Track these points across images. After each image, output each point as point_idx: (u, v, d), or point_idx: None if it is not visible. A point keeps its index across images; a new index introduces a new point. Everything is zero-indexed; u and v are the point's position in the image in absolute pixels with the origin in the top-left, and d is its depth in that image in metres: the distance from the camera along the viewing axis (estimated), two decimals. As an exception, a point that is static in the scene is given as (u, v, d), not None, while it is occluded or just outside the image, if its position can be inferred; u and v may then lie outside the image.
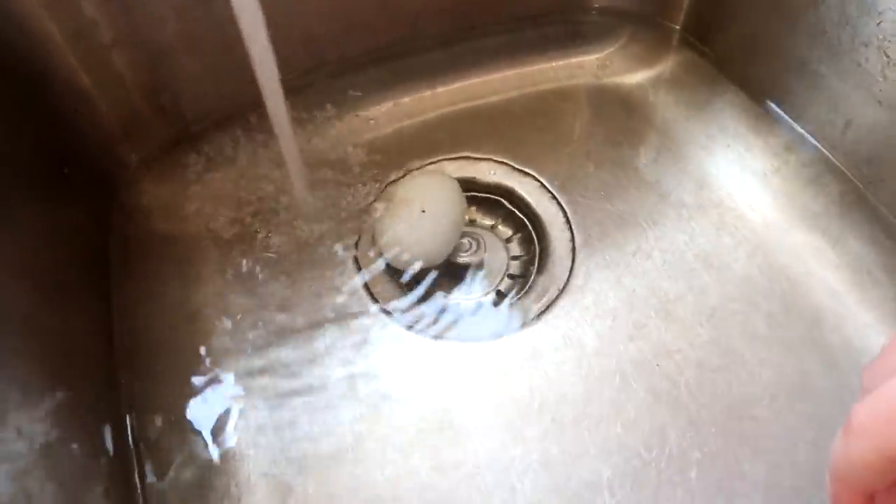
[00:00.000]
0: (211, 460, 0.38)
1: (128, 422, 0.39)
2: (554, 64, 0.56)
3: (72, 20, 0.38)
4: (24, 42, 0.37)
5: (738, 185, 0.49)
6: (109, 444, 0.36)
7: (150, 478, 0.38)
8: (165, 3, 0.42)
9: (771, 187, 0.49)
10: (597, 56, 0.56)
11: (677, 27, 0.56)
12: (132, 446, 0.38)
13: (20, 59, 0.37)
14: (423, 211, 0.44)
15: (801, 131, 0.49)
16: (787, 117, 0.50)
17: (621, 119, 0.53)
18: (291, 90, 0.49)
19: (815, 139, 0.49)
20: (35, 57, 0.38)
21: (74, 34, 0.39)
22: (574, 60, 0.56)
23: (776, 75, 0.50)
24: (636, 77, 0.55)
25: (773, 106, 0.51)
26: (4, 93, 0.35)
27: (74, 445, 0.33)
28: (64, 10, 0.38)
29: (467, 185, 0.49)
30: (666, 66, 0.56)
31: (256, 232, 0.46)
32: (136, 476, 0.37)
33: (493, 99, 0.54)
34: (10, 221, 0.34)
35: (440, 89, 0.54)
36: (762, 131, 0.51)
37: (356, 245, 0.46)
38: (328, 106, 0.52)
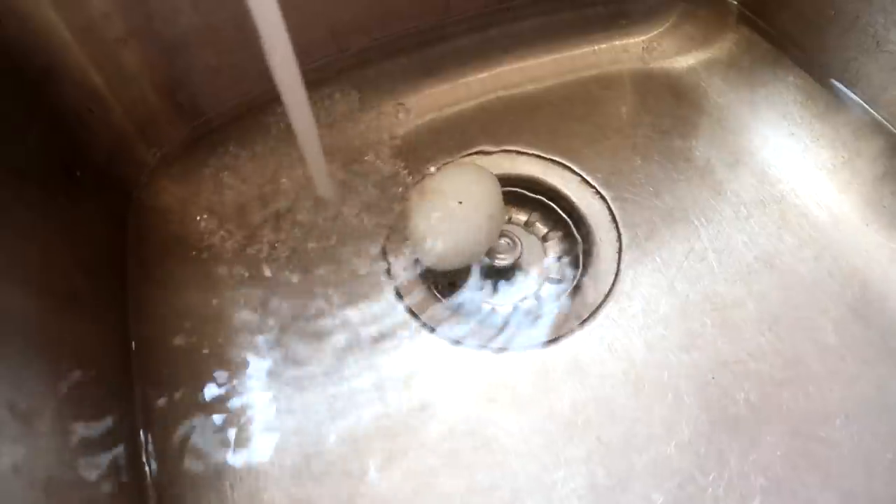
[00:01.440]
0: (231, 476, 0.36)
1: (142, 435, 0.37)
2: (595, 48, 0.52)
3: (81, 13, 0.36)
4: (30, 37, 0.34)
5: (802, 178, 0.45)
6: (123, 460, 0.35)
7: (166, 493, 0.36)
8: (180, -9, 0.39)
9: (840, 181, 0.44)
10: (643, 38, 0.52)
11: (735, 2, 0.51)
12: (146, 461, 0.36)
13: (25, 55, 0.35)
14: (460, 203, 0.41)
15: (877, 118, 0.44)
16: (860, 102, 0.45)
17: (670, 106, 0.49)
18: (315, 81, 0.46)
19: (894, 127, 0.44)
20: (42, 53, 0.35)
21: (84, 28, 0.36)
22: (618, 43, 0.52)
23: (847, 55, 0.45)
24: (687, 60, 0.51)
25: (844, 89, 0.46)
26: (9, 92, 0.33)
27: (86, 460, 0.32)
28: (72, 1, 0.35)
29: (503, 180, 0.45)
30: (721, 46, 0.51)
31: (279, 231, 0.44)
32: (151, 491, 0.36)
33: (530, 87, 0.50)
34: (19, 227, 0.32)
35: (473, 77, 0.51)
36: (830, 118, 0.46)
37: (386, 244, 0.44)
38: (354, 97, 0.49)
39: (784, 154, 0.46)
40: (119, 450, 0.34)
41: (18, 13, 0.33)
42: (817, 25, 0.46)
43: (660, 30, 0.52)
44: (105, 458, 0.33)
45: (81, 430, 0.31)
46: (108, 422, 0.34)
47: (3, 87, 0.32)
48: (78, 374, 0.33)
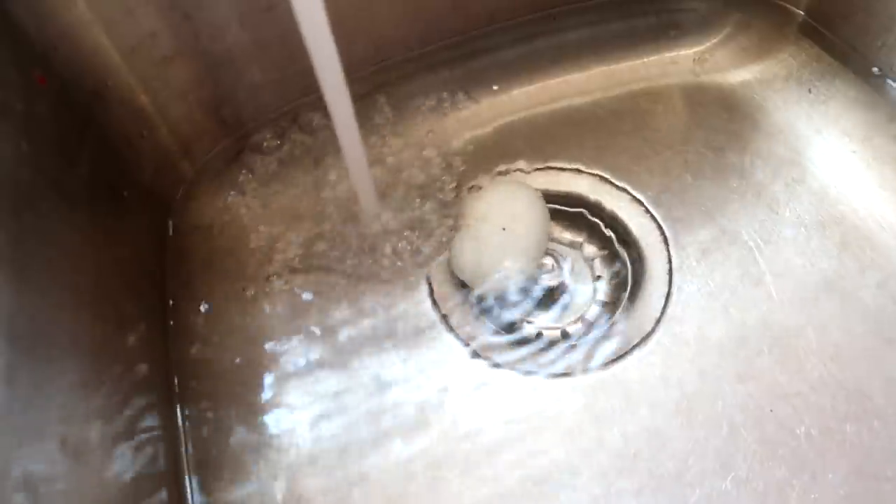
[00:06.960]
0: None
1: (184, 456, 0.37)
2: (645, 60, 0.50)
3: (130, 33, 0.36)
4: (81, 61, 0.34)
5: (865, 198, 0.43)
6: (167, 477, 0.35)
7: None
8: (227, 8, 0.39)
9: (906, 202, 0.42)
10: (695, 49, 0.50)
11: (801, 12, 0.49)
12: (189, 485, 0.36)
13: (77, 79, 0.35)
14: (504, 229, 0.40)
15: (949, 137, 0.42)
16: (930, 120, 0.43)
17: (723, 122, 0.47)
18: (359, 95, 0.46)
19: (966, 146, 0.42)
20: (92, 76, 0.35)
21: (132, 48, 0.36)
22: (668, 55, 0.50)
23: (917, 71, 0.43)
24: (741, 73, 0.49)
25: (913, 106, 0.44)
26: (63, 117, 0.33)
27: (133, 492, 0.32)
28: (120, 22, 0.35)
29: (548, 197, 0.45)
30: (778, 59, 0.49)
31: (322, 247, 0.44)
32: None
33: (577, 101, 0.49)
34: (72, 256, 0.32)
35: (518, 90, 0.49)
36: (895, 136, 0.44)
37: (430, 264, 0.43)
38: (398, 110, 0.48)
39: (845, 173, 0.44)
40: (164, 475, 0.34)
41: (71, 38, 0.33)
42: (884, 40, 0.43)
43: (713, 41, 0.50)
44: (151, 485, 0.33)
45: (129, 462, 0.31)
46: (152, 447, 0.34)
47: (57, 113, 0.32)
48: (125, 403, 0.33)
